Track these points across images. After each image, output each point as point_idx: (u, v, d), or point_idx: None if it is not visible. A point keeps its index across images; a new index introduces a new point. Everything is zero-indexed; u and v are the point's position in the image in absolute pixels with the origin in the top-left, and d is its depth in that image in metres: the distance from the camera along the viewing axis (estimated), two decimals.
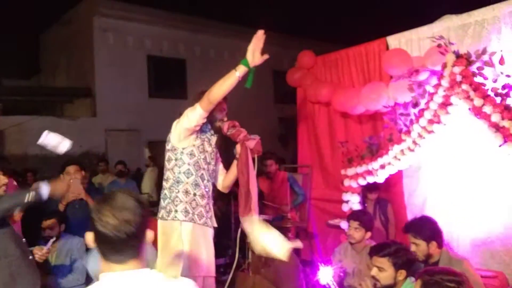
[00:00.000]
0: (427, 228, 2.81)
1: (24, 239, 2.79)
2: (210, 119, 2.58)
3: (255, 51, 2.33)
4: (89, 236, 1.29)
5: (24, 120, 9.64)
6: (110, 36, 10.73)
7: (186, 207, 2.52)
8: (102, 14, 10.55)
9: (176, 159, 2.57)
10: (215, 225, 2.66)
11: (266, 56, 2.37)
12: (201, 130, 2.58)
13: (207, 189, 2.61)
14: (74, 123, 10.26)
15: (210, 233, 2.63)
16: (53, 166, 4.87)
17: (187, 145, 2.54)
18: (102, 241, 1.26)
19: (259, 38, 2.36)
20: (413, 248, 2.82)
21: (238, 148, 2.61)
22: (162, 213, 2.59)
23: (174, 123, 2.56)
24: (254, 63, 2.34)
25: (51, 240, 3.01)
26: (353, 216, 3.49)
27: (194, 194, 2.54)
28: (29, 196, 2.41)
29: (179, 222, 2.52)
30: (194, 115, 2.43)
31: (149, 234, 1.32)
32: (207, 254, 2.58)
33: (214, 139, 2.69)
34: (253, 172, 2.58)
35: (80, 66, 11.26)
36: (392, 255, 2.51)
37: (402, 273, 2.50)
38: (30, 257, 2.75)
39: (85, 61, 10.93)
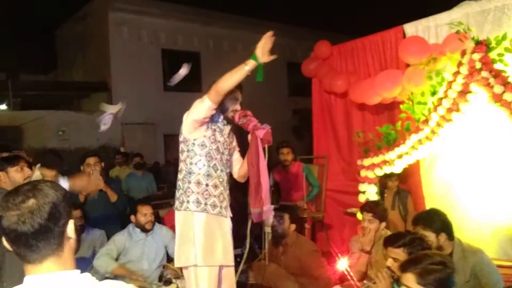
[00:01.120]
0: (436, 220, 2.76)
1: None
2: (222, 109, 2.60)
3: (264, 49, 2.37)
4: (3, 238, 1.12)
5: (42, 114, 9.83)
6: (125, 31, 10.82)
7: (198, 198, 2.53)
8: (117, 9, 10.64)
9: (188, 150, 2.59)
10: (231, 215, 2.66)
11: (274, 56, 2.41)
12: (212, 120, 2.58)
13: (221, 179, 2.61)
14: (91, 117, 10.40)
15: (226, 223, 2.63)
16: (71, 159, 4.95)
17: (198, 136, 2.56)
18: (10, 238, 1.08)
19: (267, 38, 2.40)
20: None
21: (250, 137, 2.63)
22: (176, 204, 2.63)
23: (185, 115, 2.58)
24: (263, 60, 2.37)
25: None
26: (365, 208, 3.43)
27: (207, 185, 2.55)
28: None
29: (191, 212, 2.54)
30: (203, 106, 2.45)
31: (70, 225, 1.15)
32: (223, 244, 2.57)
33: (227, 129, 2.69)
34: (263, 163, 2.58)
35: (96, 61, 11.40)
36: (407, 245, 2.49)
37: None
38: None
39: (101, 55, 11.05)
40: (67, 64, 13.00)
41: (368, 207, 3.43)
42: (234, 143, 2.83)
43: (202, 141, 2.57)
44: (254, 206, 2.56)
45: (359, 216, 4.23)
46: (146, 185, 6.19)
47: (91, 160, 3.97)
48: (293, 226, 3.71)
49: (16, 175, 2.73)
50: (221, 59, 11.90)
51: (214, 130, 2.61)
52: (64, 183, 2.56)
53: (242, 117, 2.62)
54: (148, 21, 11.01)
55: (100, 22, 10.90)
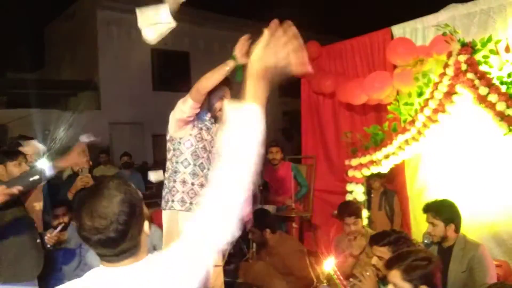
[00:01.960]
0: (447, 210, 2.79)
1: (35, 224, 2.92)
2: (209, 107, 2.61)
3: (241, 50, 2.44)
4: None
5: (28, 113, 9.68)
6: (114, 29, 10.74)
7: (183, 197, 2.53)
8: (106, 7, 10.56)
9: (174, 149, 2.59)
10: None
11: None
12: (198, 118, 2.58)
13: (208, 178, 2.61)
14: (78, 116, 10.31)
15: None
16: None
17: (184, 134, 2.57)
18: (89, 244, 1.15)
19: (244, 41, 2.49)
20: (430, 228, 2.81)
21: None
22: (162, 203, 2.63)
23: (171, 114, 2.59)
24: (242, 61, 2.43)
25: (61, 225, 3.05)
26: (345, 212, 3.45)
27: (192, 184, 2.55)
28: (34, 178, 2.57)
29: (176, 212, 2.54)
30: (186, 106, 2.46)
31: (146, 226, 1.22)
32: None
33: (214, 127, 2.68)
34: None
35: (84, 59, 11.29)
36: (392, 244, 2.51)
37: None
38: (38, 240, 2.87)
39: (89, 54, 10.95)
40: (55, 62, 12.86)
41: (348, 211, 3.44)
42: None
43: (188, 139, 2.57)
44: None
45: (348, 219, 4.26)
46: (134, 185, 6.13)
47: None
48: (266, 232, 3.68)
49: (14, 169, 2.80)
50: (210, 60, 11.78)
51: (201, 129, 2.60)
52: (49, 168, 2.61)
53: (219, 111, 2.64)
54: (137, 20, 10.94)
55: (89, 20, 10.81)
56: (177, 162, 2.58)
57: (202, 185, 2.56)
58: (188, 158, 2.56)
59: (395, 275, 1.93)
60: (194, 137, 2.58)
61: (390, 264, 2.01)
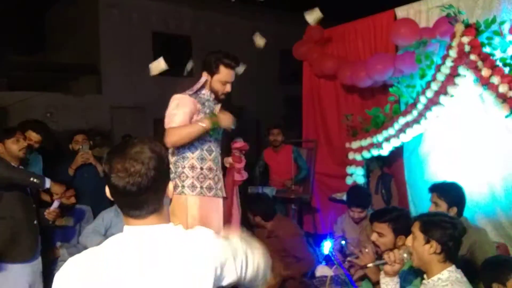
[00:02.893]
0: (453, 193, 2.78)
1: (34, 205, 2.96)
2: (212, 90, 2.60)
3: (226, 124, 2.49)
4: (107, 189, 1.21)
5: (29, 96, 9.66)
6: (115, 13, 10.64)
7: (194, 182, 2.52)
8: None
9: None
10: (225, 195, 2.65)
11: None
12: (202, 104, 2.56)
13: (216, 161, 2.61)
14: (80, 100, 10.29)
15: (220, 203, 2.64)
16: (60, 141, 4.90)
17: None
18: (116, 194, 1.18)
19: (227, 118, 2.49)
20: (432, 208, 2.80)
21: (229, 159, 2.76)
22: (173, 187, 2.61)
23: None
24: (223, 125, 2.50)
25: (57, 201, 3.06)
26: (353, 203, 3.50)
27: (201, 168, 2.53)
28: (33, 180, 2.78)
29: (185, 196, 2.53)
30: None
31: (170, 186, 1.25)
32: (218, 227, 2.57)
33: (217, 107, 2.65)
34: (236, 199, 2.74)
35: (85, 43, 11.22)
36: (393, 220, 2.50)
37: (402, 239, 2.49)
38: (35, 221, 2.91)
39: (90, 37, 10.88)
40: (56, 45, 12.78)
41: (356, 202, 3.48)
42: None
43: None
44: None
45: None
46: None
47: (79, 137, 4.07)
48: (258, 218, 3.69)
49: (12, 146, 2.88)
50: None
51: (205, 113, 2.56)
52: (48, 182, 2.85)
53: (239, 150, 2.74)
54: (139, 4, 10.84)
55: (91, 4, 10.71)
56: (183, 148, 2.54)
57: (210, 169, 2.56)
58: (195, 143, 2.52)
59: (415, 225, 2.00)
60: (200, 122, 2.52)
61: (416, 217, 2.09)
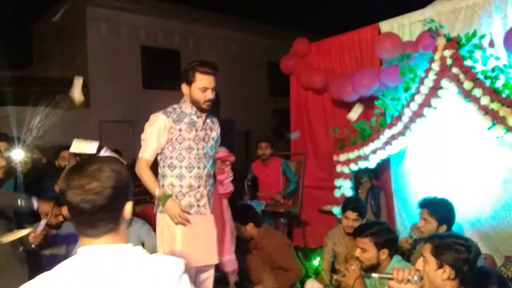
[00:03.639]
0: (444, 210, 2.79)
1: (16, 231, 2.68)
2: (193, 101, 2.55)
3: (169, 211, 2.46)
4: (65, 208, 1.22)
5: (17, 111, 9.58)
6: (103, 26, 10.65)
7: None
8: (95, 4, 10.46)
9: (160, 153, 2.56)
10: (210, 211, 2.58)
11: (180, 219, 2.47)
12: (177, 120, 2.53)
13: (198, 175, 2.55)
14: (68, 114, 10.21)
15: (207, 220, 2.58)
16: (46, 156, 4.86)
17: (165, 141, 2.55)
18: (71, 212, 1.16)
19: (173, 210, 2.44)
20: (420, 223, 2.81)
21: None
22: (155, 206, 2.61)
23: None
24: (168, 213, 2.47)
25: (44, 221, 2.81)
26: (351, 206, 3.37)
27: (180, 186, 2.52)
28: (21, 203, 2.55)
29: (164, 214, 2.51)
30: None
31: (128, 207, 1.22)
32: (204, 243, 2.55)
33: (200, 120, 2.59)
34: (227, 214, 2.70)
35: (73, 57, 11.17)
36: (374, 235, 2.52)
37: (385, 252, 2.51)
38: (20, 249, 2.68)
39: (78, 51, 10.84)
40: (44, 60, 12.72)
41: (354, 205, 3.36)
42: (214, 133, 2.72)
43: (170, 143, 2.54)
44: (221, 254, 2.63)
45: (335, 211, 4.29)
46: None
47: (65, 153, 4.03)
48: (250, 226, 3.67)
49: None
50: (201, 58, 11.82)
51: (180, 130, 2.53)
52: (35, 202, 2.65)
53: (221, 161, 2.66)
54: (127, 17, 10.87)
55: (78, 17, 10.70)
56: (164, 167, 2.55)
57: (190, 186, 2.52)
58: (174, 161, 2.52)
59: (426, 248, 1.90)
60: (176, 141, 2.53)
61: (427, 239, 1.99)
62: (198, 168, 2.56)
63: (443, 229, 2.76)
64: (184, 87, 2.57)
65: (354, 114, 3.79)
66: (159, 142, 2.51)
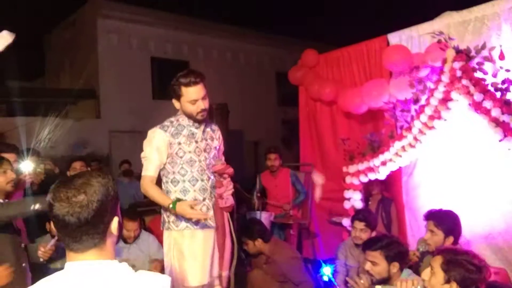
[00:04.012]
0: (450, 222, 2.79)
1: (22, 244, 2.67)
2: (187, 114, 2.50)
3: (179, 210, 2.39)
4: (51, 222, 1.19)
5: (28, 121, 9.71)
6: (114, 38, 10.81)
7: (177, 217, 2.46)
8: (106, 16, 10.64)
9: (162, 169, 2.53)
10: (214, 224, 2.54)
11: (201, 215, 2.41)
12: (175, 133, 2.49)
13: (202, 188, 2.51)
14: (78, 124, 10.34)
15: (211, 234, 2.53)
16: (59, 166, 4.90)
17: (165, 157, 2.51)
18: (57, 224, 1.15)
19: (183, 210, 2.36)
20: (427, 236, 2.80)
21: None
22: (161, 223, 2.60)
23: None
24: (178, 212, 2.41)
25: (54, 240, 2.75)
26: (358, 216, 3.42)
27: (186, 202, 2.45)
28: (36, 207, 2.35)
29: (170, 232, 2.50)
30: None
31: (115, 222, 1.21)
32: (212, 257, 2.53)
33: (199, 131, 2.55)
34: (228, 227, 2.61)
35: (84, 68, 11.33)
36: (384, 248, 2.52)
37: (395, 266, 2.51)
38: (24, 264, 2.61)
39: (89, 62, 11.00)
40: (55, 70, 12.92)
41: (361, 215, 3.41)
42: (216, 142, 2.66)
43: (171, 159, 2.50)
44: (221, 269, 2.57)
45: (345, 222, 4.28)
46: (132, 192, 6.16)
47: (77, 164, 4.01)
48: (258, 241, 3.66)
49: None
50: (210, 68, 11.95)
51: (179, 143, 2.49)
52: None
53: (219, 174, 2.52)
54: (137, 29, 11.03)
55: (89, 29, 10.88)
56: (167, 182, 2.52)
57: (195, 200, 2.47)
58: (176, 176, 2.48)
59: (436, 260, 1.90)
60: (176, 155, 2.49)
61: (440, 251, 1.98)
62: (202, 180, 2.52)
63: (449, 240, 2.75)
64: (175, 103, 2.52)
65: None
66: (160, 158, 2.47)
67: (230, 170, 2.53)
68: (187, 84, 2.43)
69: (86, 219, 1.12)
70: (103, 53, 10.70)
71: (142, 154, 2.51)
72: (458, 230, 2.79)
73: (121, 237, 3.50)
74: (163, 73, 11.37)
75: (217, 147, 2.67)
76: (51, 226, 2.88)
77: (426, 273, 1.92)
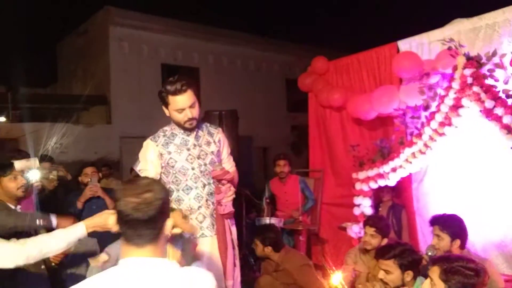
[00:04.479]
0: (455, 225, 2.80)
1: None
2: (176, 123, 2.44)
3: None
4: (112, 218, 1.33)
5: (41, 127, 9.85)
6: (126, 45, 10.95)
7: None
8: (118, 24, 10.78)
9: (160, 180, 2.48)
10: (211, 233, 2.45)
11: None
12: (166, 143, 2.45)
13: (198, 197, 2.43)
14: (90, 130, 10.46)
15: (212, 242, 2.44)
16: (69, 171, 4.96)
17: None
18: (123, 221, 1.26)
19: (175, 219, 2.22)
20: (434, 241, 2.80)
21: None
22: None
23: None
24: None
25: None
26: (368, 222, 3.41)
27: (180, 210, 2.38)
28: (40, 222, 2.45)
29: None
30: None
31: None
32: (208, 267, 2.47)
33: (191, 138, 2.48)
34: (229, 236, 2.50)
35: (96, 75, 11.49)
36: (398, 256, 2.50)
37: (410, 274, 2.49)
38: (42, 266, 2.62)
39: (101, 69, 11.16)
40: (67, 77, 13.10)
41: (371, 221, 3.40)
42: (213, 146, 2.53)
43: (165, 169, 2.45)
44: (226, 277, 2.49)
45: (355, 229, 4.27)
46: None
47: (88, 170, 4.09)
48: (268, 249, 3.65)
49: (9, 184, 2.56)
50: (220, 75, 12.04)
51: (169, 153, 2.43)
52: (54, 220, 2.53)
53: (217, 180, 2.40)
54: (148, 37, 11.16)
55: (101, 36, 11.04)
56: None
57: (190, 209, 2.41)
58: (171, 186, 2.43)
59: (434, 271, 1.90)
60: (168, 165, 2.44)
61: (435, 261, 1.98)
62: (197, 188, 2.43)
63: (456, 244, 2.75)
64: (165, 110, 2.45)
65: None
66: (155, 170, 2.43)
67: (228, 176, 2.40)
68: (174, 93, 2.33)
69: (150, 216, 1.25)
70: (114, 60, 10.83)
71: (139, 167, 2.46)
72: (464, 233, 2.79)
73: None
74: None
75: (216, 152, 2.55)
76: None
77: (427, 284, 1.92)
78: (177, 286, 1.24)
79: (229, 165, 2.63)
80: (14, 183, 2.55)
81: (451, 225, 2.79)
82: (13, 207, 2.60)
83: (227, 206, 2.40)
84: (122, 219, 1.26)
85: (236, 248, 2.58)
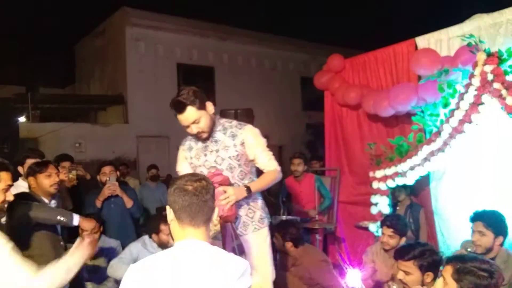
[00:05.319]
0: (500, 222, 2.77)
1: (62, 243, 2.84)
2: (188, 133, 2.51)
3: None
4: (168, 209, 1.50)
5: (60, 127, 10.03)
6: (142, 45, 11.06)
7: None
8: (134, 24, 10.90)
9: None
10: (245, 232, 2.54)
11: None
12: (189, 148, 2.58)
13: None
14: (107, 129, 10.61)
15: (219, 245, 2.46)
16: (88, 171, 5.04)
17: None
18: (181, 204, 1.45)
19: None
20: (476, 237, 2.76)
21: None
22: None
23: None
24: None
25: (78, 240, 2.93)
26: (386, 222, 3.37)
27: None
28: (60, 218, 2.64)
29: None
30: None
31: (216, 212, 1.57)
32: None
33: (209, 144, 2.51)
34: (229, 238, 2.42)
35: (113, 75, 11.65)
36: (417, 257, 2.44)
37: (430, 275, 2.43)
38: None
39: (118, 69, 11.30)
40: (85, 78, 13.31)
41: (388, 221, 3.35)
42: (232, 151, 2.49)
43: (193, 170, 2.59)
44: None
45: (372, 228, 4.23)
46: (159, 196, 6.26)
47: (107, 169, 4.13)
48: (288, 244, 3.63)
49: (44, 180, 2.79)
50: (235, 74, 12.07)
51: (191, 158, 2.58)
52: (76, 218, 2.70)
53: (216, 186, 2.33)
54: (164, 36, 11.26)
55: (118, 37, 11.18)
56: None
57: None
58: None
59: (447, 270, 1.88)
60: (192, 169, 2.57)
61: (449, 259, 1.95)
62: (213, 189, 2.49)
63: (499, 241, 2.71)
64: None
65: None
66: (188, 170, 2.57)
67: (219, 178, 2.32)
68: (175, 113, 2.43)
69: (205, 199, 1.47)
70: (130, 60, 10.96)
71: (177, 168, 2.66)
72: (507, 230, 2.77)
73: (162, 245, 3.37)
74: (189, 79, 11.54)
75: (236, 156, 2.49)
76: (83, 233, 3.03)
77: (439, 283, 1.89)
78: (214, 266, 1.40)
79: (265, 159, 2.53)
80: (48, 180, 2.81)
81: (495, 221, 2.76)
82: (47, 201, 2.83)
83: (224, 210, 2.31)
84: (182, 196, 1.46)
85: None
